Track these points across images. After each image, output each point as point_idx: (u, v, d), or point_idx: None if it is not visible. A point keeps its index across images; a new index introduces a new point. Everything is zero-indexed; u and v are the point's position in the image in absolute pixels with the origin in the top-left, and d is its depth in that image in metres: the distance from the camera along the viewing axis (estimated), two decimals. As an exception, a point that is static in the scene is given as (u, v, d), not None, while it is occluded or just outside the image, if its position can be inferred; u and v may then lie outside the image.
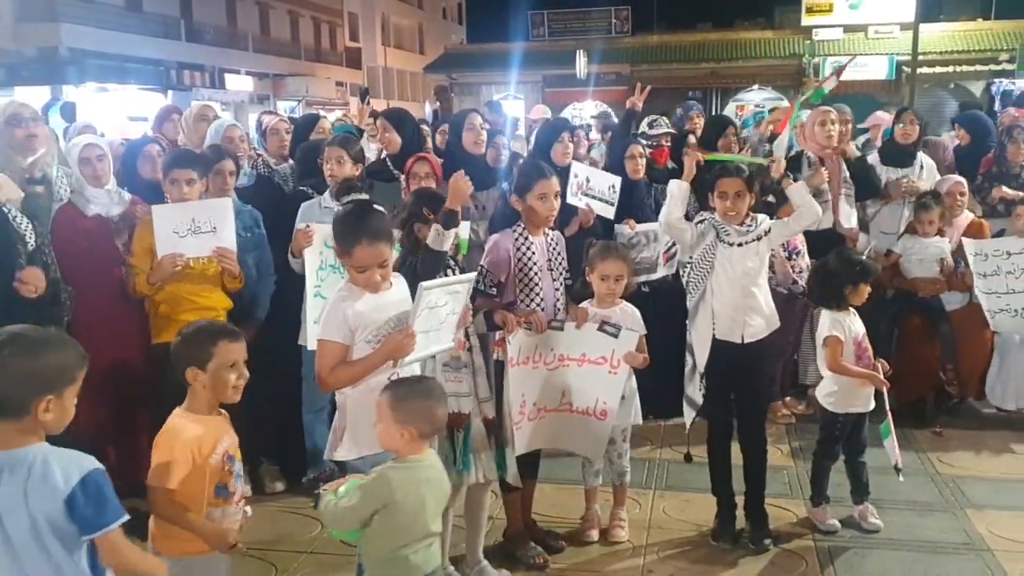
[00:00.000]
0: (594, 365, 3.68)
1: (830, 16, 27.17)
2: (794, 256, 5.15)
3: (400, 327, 2.81)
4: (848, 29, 27.42)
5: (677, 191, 3.88)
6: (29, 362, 1.95)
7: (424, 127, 6.25)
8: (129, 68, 23.37)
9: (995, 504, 4.23)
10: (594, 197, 4.81)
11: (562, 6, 33.12)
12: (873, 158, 5.79)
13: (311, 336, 3.92)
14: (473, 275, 3.19)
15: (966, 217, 5.52)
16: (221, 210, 3.85)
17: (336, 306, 2.87)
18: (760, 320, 3.79)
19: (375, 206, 2.95)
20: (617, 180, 4.94)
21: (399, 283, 3.01)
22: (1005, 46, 25.28)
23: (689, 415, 3.99)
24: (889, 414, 3.98)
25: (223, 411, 2.63)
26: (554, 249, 3.78)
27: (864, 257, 4.36)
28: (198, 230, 3.76)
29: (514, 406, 3.52)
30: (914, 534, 3.95)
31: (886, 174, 5.67)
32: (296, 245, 4.03)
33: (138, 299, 3.87)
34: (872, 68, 26.47)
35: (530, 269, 3.67)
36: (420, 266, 3.22)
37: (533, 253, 3.68)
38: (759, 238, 3.77)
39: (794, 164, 5.02)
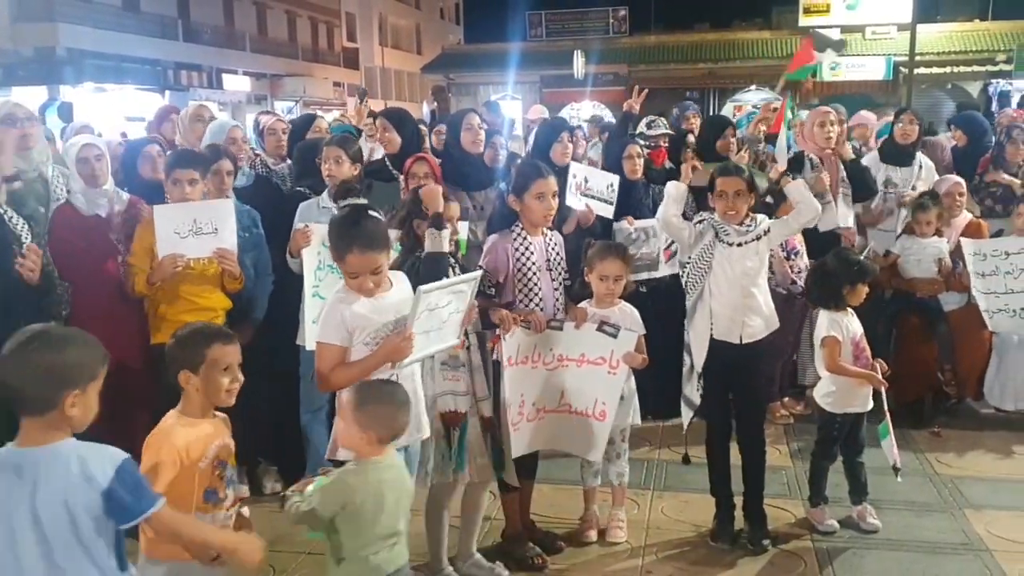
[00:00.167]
0: (593, 365, 3.68)
1: (827, 17, 27.14)
2: (793, 256, 5.15)
3: (399, 330, 2.80)
4: (845, 30, 27.32)
5: (674, 191, 3.89)
6: (54, 358, 1.99)
7: (422, 127, 6.24)
8: (126, 68, 23.35)
9: (993, 504, 4.23)
10: (593, 197, 4.81)
11: (560, 6, 33.17)
12: (871, 158, 5.79)
13: (309, 336, 3.92)
14: (479, 273, 3.18)
15: (964, 217, 5.53)
16: (223, 211, 3.84)
17: (334, 308, 2.86)
18: (759, 321, 3.79)
19: (371, 212, 2.93)
20: (615, 179, 4.94)
21: (400, 283, 3.00)
22: (1002, 47, 25.31)
23: (687, 415, 3.99)
24: (888, 414, 3.98)
25: (221, 414, 2.61)
26: (553, 249, 3.78)
27: (862, 257, 4.36)
28: (199, 231, 3.75)
29: (512, 406, 3.52)
30: (912, 534, 3.96)
31: (886, 172, 5.67)
32: (294, 245, 4.03)
33: (137, 299, 3.86)
34: (869, 69, 26.53)
35: (528, 269, 3.67)
36: (423, 270, 3.22)
37: (532, 253, 3.68)
38: (758, 238, 3.77)
39: (796, 164, 5.02)
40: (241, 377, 2.54)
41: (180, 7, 27.78)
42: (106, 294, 3.81)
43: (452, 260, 3.43)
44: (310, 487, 2.56)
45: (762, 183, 4.37)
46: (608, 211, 4.88)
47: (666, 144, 6.00)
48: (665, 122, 6.42)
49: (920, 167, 5.77)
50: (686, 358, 3.92)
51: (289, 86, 31.21)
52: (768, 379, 4.96)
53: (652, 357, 3.77)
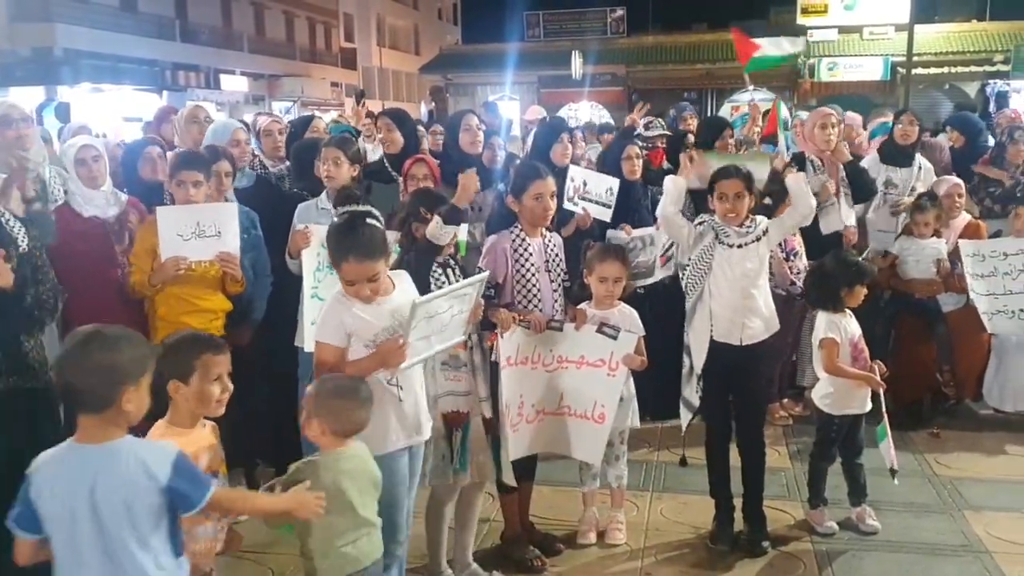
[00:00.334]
0: (593, 367, 3.67)
1: (825, 17, 27.18)
2: (792, 257, 5.15)
3: (393, 337, 2.79)
4: (843, 30, 27.46)
5: (672, 186, 3.87)
6: (112, 357, 2.07)
7: (420, 128, 6.24)
8: (124, 68, 23.31)
9: (992, 506, 4.23)
10: (591, 200, 4.80)
11: (557, 7, 33.12)
12: (871, 159, 5.79)
13: (308, 338, 3.91)
14: (484, 275, 3.16)
15: (963, 218, 5.53)
16: (226, 214, 3.83)
17: (333, 309, 2.87)
18: (759, 322, 3.79)
19: (371, 218, 2.92)
20: (615, 183, 4.93)
21: (403, 284, 2.98)
22: (1000, 47, 25.33)
23: (685, 417, 3.99)
24: (886, 416, 3.98)
25: (210, 422, 2.59)
26: (552, 251, 3.77)
27: (860, 259, 4.35)
28: (203, 234, 3.73)
29: (512, 407, 3.51)
30: (912, 536, 3.95)
31: (886, 173, 5.67)
32: (293, 246, 4.02)
33: (137, 300, 3.84)
34: (867, 69, 26.54)
35: (527, 270, 3.66)
36: (415, 258, 3.21)
37: (531, 255, 3.68)
38: (758, 239, 3.77)
39: (797, 165, 5.01)
40: (231, 386, 2.53)
41: (178, 7, 27.75)
42: (104, 296, 3.79)
43: (452, 262, 3.42)
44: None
45: (763, 170, 4.28)
46: (606, 215, 4.87)
47: (664, 145, 6.00)
48: (663, 123, 6.42)
49: (919, 168, 5.78)
50: (685, 359, 3.92)
51: (287, 86, 31.18)
52: (767, 380, 4.96)
53: (651, 358, 3.76)
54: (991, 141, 6.97)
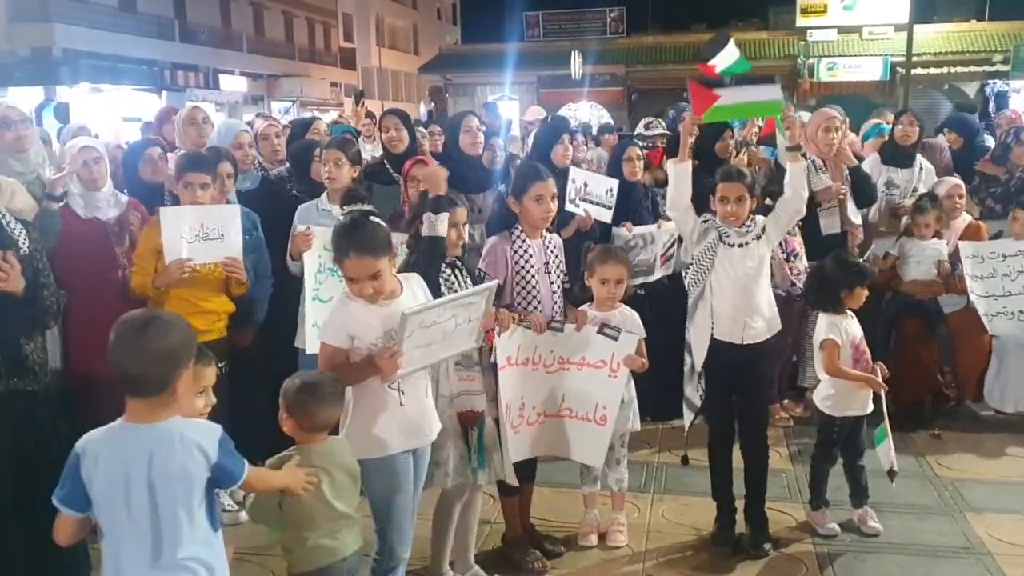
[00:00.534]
0: (594, 368, 3.66)
1: (824, 17, 27.21)
2: (792, 258, 5.15)
3: (388, 345, 2.76)
4: (842, 30, 27.50)
5: (674, 170, 3.81)
6: (168, 341, 2.15)
7: (421, 128, 6.24)
8: (123, 68, 23.27)
9: (994, 507, 4.22)
10: (592, 202, 4.80)
11: (557, 7, 33.14)
12: (872, 160, 5.78)
13: (308, 339, 3.91)
14: (494, 284, 3.13)
15: (964, 219, 5.52)
16: (229, 216, 3.82)
17: (337, 310, 2.87)
18: (761, 322, 3.78)
19: (373, 218, 2.92)
20: (615, 183, 4.93)
21: (412, 288, 2.97)
22: (999, 47, 25.36)
23: (688, 416, 3.98)
24: (887, 418, 3.97)
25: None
26: (551, 252, 3.77)
27: (861, 261, 4.35)
28: (206, 236, 3.72)
29: (512, 408, 3.50)
30: (913, 538, 3.95)
31: (887, 174, 5.67)
32: (295, 248, 4.01)
33: (138, 301, 3.82)
34: (866, 69, 26.57)
35: (527, 272, 3.66)
36: (422, 256, 3.22)
37: (531, 256, 3.67)
38: (757, 237, 3.77)
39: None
40: (214, 400, 2.54)
41: (177, 7, 27.72)
42: (105, 297, 3.78)
43: (459, 262, 3.41)
44: None
45: (775, 94, 3.98)
46: (607, 216, 4.87)
47: (664, 144, 6.00)
48: (663, 123, 6.43)
49: (920, 169, 5.77)
50: (687, 357, 3.92)
51: (286, 86, 31.18)
52: (768, 381, 4.95)
53: (651, 359, 3.76)
54: (989, 141, 6.99)
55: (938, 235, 5.29)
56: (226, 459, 2.22)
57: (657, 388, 4.47)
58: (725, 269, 3.75)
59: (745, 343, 3.76)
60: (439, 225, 3.22)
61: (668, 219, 5.20)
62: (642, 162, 5.27)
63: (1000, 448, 5.01)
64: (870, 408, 4.00)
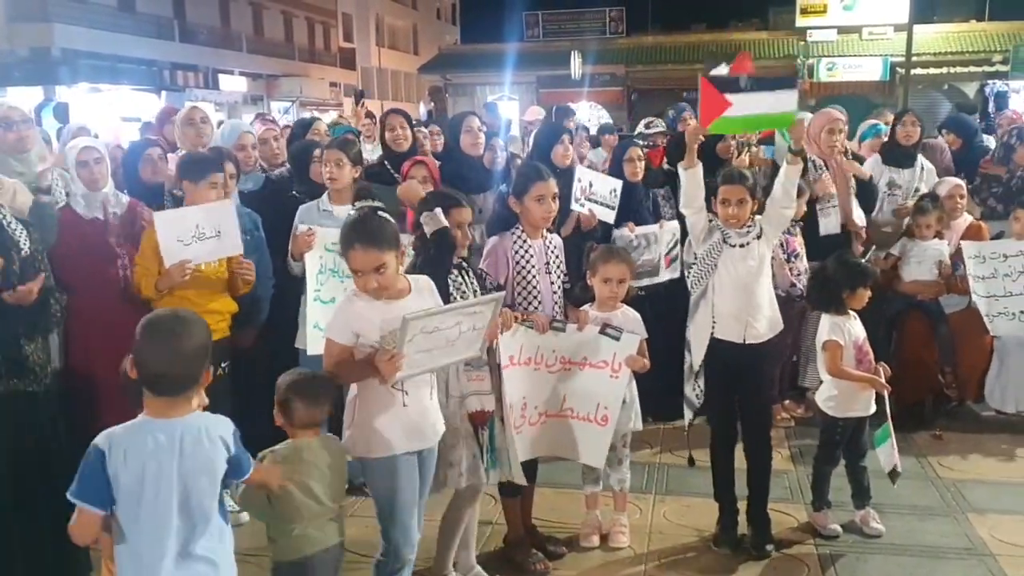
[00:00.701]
0: (595, 369, 3.66)
1: (824, 17, 27.21)
2: (792, 259, 5.14)
3: (389, 346, 2.76)
4: (842, 30, 27.50)
5: (685, 175, 3.79)
6: (197, 340, 2.24)
7: (422, 129, 6.23)
8: (122, 68, 23.26)
9: (996, 508, 4.22)
10: (596, 202, 4.79)
11: (556, 7, 33.13)
12: (873, 161, 5.77)
13: (309, 340, 3.90)
14: (500, 295, 3.11)
15: (965, 219, 5.51)
16: (224, 213, 3.80)
17: (342, 307, 2.88)
18: (763, 321, 3.78)
19: (382, 213, 2.92)
20: (618, 184, 4.92)
21: (421, 291, 2.95)
22: (998, 47, 25.37)
23: (687, 416, 3.97)
24: (890, 419, 3.96)
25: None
26: (552, 252, 3.76)
27: (863, 261, 4.34)
28: (203, 236, 3.70)
29: (515, 408, 3.49)
30: (916, 539, 3.94)
31: (888, 175, 5.66)
32: (296, 248, 4.00)
33: (143, 301, 3.80)
34: (866, 69, 26.57)
35: (528, 272, 3.66)
36: (434, 252, 3.21)
37: (531, 256, 3.67)
38: (757, 237, 3.77)
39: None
40: (207, 400, 2.54)
41: (176, 7, 27.71)
42: (106, 297, 3.78)
43: (465, 264, 3.40)
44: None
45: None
46: (610, 216, 4.86)
47: (664, 143, 5.99)
48: (663, 123, 6.42)
49: (922, 169, 5.76)
50: (687, 356, 3.91)
51: (285, 86, 31.17)
52: (770, 381, 4.95)
53: (652, 359, 3.75)
54: (989, 142, 6.98)
55: (939, 235, 5.28)
56: (240, 452, 2.30)
57: (658, 388, 4.46)
58: (728, 269, 3.75)
59: (747, 343, 3.76)
60: (437, 218, 3.22)
61: (669, 219, 5.23)
62: (643, 162, 5.26)
63: (1002, 449, 5.00)
64: (872, 409, 3.99)
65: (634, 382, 3.86)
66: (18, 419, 3.18)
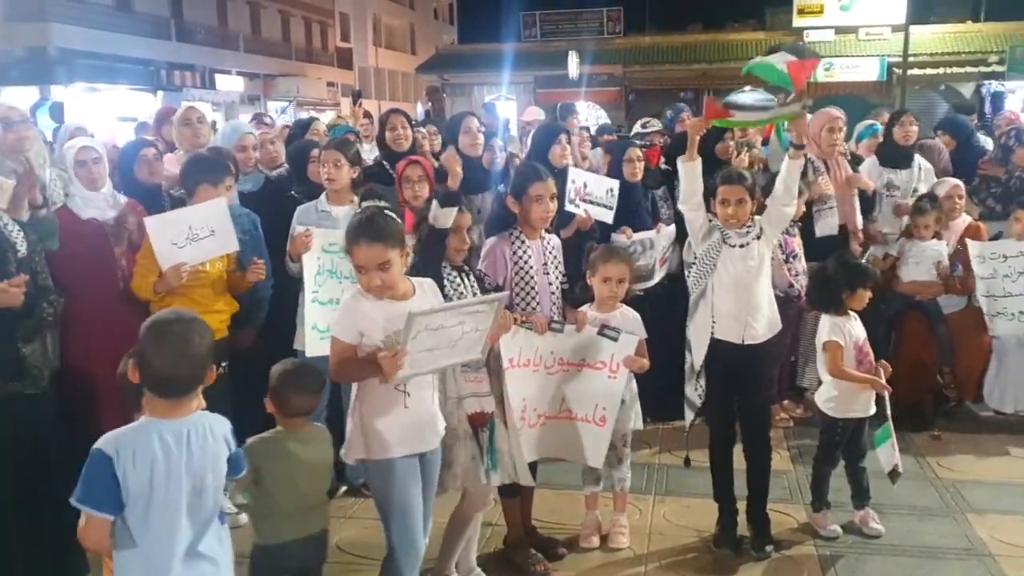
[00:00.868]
0: (594, 370, 3.65)
1: (821, 18, 27.23)
2: (791, 259, 5.13)
3: (391, 344, 2.75)
4: (839, 31, 27.52)
5: (684, 169, 3.79)
6: (204, 342, 2.25)
7: (420, 129, 6.22)
8: (119, 68, 23.19)
9: (996, 508, 4.22)
10: (592, 202, 4.78)
11: (554, 7, 33.12)
12: (870, 162, 5.77)
13: (308, 341, 3.89)
14: (503, 295, 3.10)
15: (963, 220, 5.52)
16: (216, 211, 3.78)
17: (348, 305, 2.87)
18: (762, 322, 3.78)
19: (387, 211, 2.93)
20: (615, 184, 4.91)
21: (426, 293, 2.95)
22: (994, 48, 25.43)
23: (688, 416, 3.97)
24: (890, 419, 3.96)
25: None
26: (550, 253, 3.76)
27: (863, 262, 4.34)
28: (196, 237, 3.69)
29: (515, 410, 3.48)
30: (915, 539, 3.94)
31: (886, 176, 5.65)
32: (294, 249, 3.99)
33: (137, 302, 3.77)
34: (863, 70, 26.59)
35: (526, 272, 3.65)
36: (424, 245, 3.21)
37: (530, 256, 3.67)
38: (757, 237, 3.77)
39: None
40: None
41: (173, 7, 27.63)
42: (103, 298, 3.76)
43: (467, 267, 3.39)
44: None
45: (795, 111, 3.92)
46: (607, 216, 4.85)
47: (661, 142, 5.99)
48: (659, 122, 6.43)
49: (920, 169, 5.76)
50: (687, 356, 3.91)
51: (283, 86, 31.13)
52: (769, 381, 4.94)
53: (652, 360, 3.74)
54: (983, 141, 6.99)
55: (938, 236, 5.28)
56: (237, 450, 2.34)
57: (658, 389, 4.45)
58: (727, 269, 3.75)
59: (746, 343, 3.75)
60: (445, 217, 3.21)
61: (667, 221, 5.22)
62: (642, 163, 5.25)
63: (1001, 449, 5.01)
64: (872, 410, 3.99)
65: (634, 381, 3.86)
66: (17, 420, 3.17)
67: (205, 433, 2.24)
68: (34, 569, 3.22)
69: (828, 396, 4.03)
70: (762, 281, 3.81)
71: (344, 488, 4.33)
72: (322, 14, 37.48)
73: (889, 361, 4.17)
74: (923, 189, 5.58)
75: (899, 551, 3.84)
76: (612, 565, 3.76)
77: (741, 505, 3.90)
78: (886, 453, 3.97)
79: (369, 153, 5.81)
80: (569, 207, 4.64)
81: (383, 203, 2.99)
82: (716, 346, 3.77)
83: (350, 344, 2.82)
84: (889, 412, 3.97)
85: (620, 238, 4.92)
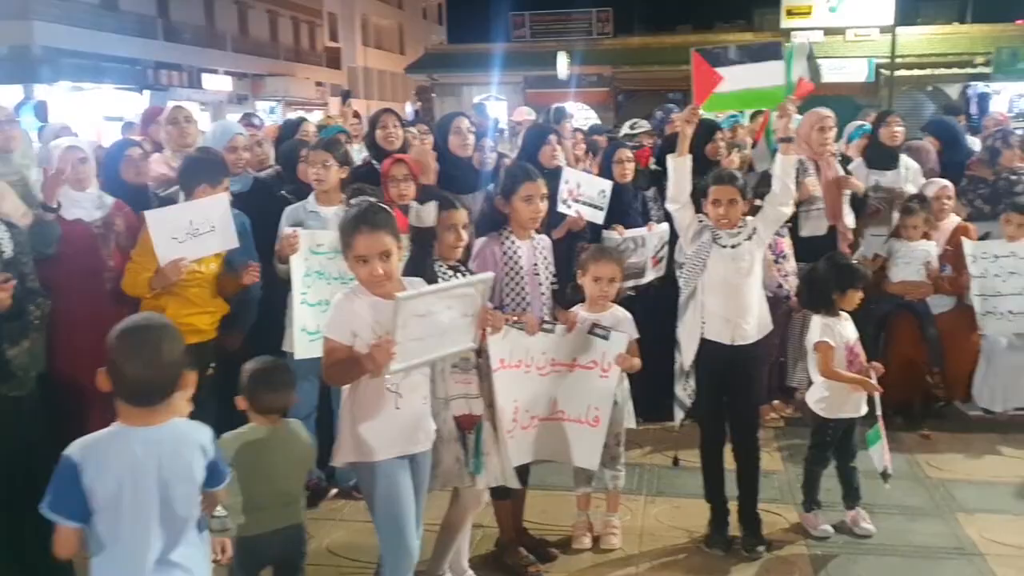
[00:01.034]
0: (585, 369, 3.64)
1: (809, 19, 27.32)
2: (780, 260, 5.15)
3: (381, 336, 2.71)
4: (827, 32, 27.60)
5: (674, 164, 3.79)
6: (177, 348, 2.20)
7: (411, 129, 6.19)
8: (105, 67, 23.03)
9: (985, 508, 4.23)
10: (584, 203, 4.77)
11: (543, 7, 33.11)
12: (856, 164, 5.78)
13: (297, 343, 3.86)
14: (488, 276, 3.07)
15: (952, 220, 5.53)
16: (217, 207, 3.74)
17: (340, 305, 2.84)
18: (752, 323, 3.77)
19: (380, 204, 2.93)
20: (608, 185, 4.90)
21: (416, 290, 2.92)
22: (981, 49, 25.58)
23: (678, 416, 3.96)
24: (880, 419, 3.96)
25: None
26: (540, 253, 3.74)
27: (854, 262, 4.34)
28: (196, 232, 3.65)
29: (507, 412, 3.46)
30: (905, 539, 3.95)
31: (873, 178, 5.66)
32: (281, 251, 3.95)
33: (127, 300, 3.72)
34: (851, 71, 26.68)
35: (516, 273, 3.63)
36: (414, 248, 3.21)
37: (520, 257, 3.65)
38: (749, 237, 3.77)
39: None
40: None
41: (160, 6, 27.46)
42: (90, 300, 3.72)
43: (462, 266, 3.37)
44: None
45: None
46: (599, 217, 4.84)
47: (651, 143, 5.99)
48: (647, 124, 6.43)
49: (906, 169, 5.77)
50: (677, 356, 3.90)
51: (271, 86, 31.00)
52: (759, 382, 4.94)
53: (643, 360, 3.73)
54: (970, 142, 7.01)
55: (926, 236, 5.30)
56: (217, 457, 2.29)
57: (649, 389, 4.45)
58: (718, 270, 3.75)
59: (736, 344, 3.75)
60: (426, 214, 3.20)
61: (658, 222, 5.22)
62: (632, 164, 5.25)
63: (990, 448, 5.03)
64: (864, 410, 4.00)
65: (626, 380, 3.84)
66: (2, 421, 3.13)
67: (180, 441, 2.19)
68: (18, 571, 3.18)
69: (819, 396, 4.04)
70: (752, 282, 3.81)
71: (335, 490, 4.30)
72: (310, 14, 37.36)
73: (879, 361, 4.18)
74: (911, 190, 5.60)
75: (890, 551, 3.85)
76: (604, 566, 3.75)
77: (732, 505, 3.90)
78: (878, 453, 3.97)
79: (358, 153, 5.77)
80: (561, 207, 4.63)
81: (371, 198, 2.98)
82: (706, 347, 3.77)
83: (343, 344, 2.78)
84: (879, 413, 3.97)
85: (612, 235, 4.92)
